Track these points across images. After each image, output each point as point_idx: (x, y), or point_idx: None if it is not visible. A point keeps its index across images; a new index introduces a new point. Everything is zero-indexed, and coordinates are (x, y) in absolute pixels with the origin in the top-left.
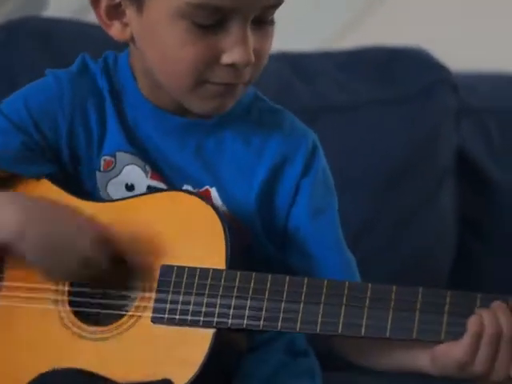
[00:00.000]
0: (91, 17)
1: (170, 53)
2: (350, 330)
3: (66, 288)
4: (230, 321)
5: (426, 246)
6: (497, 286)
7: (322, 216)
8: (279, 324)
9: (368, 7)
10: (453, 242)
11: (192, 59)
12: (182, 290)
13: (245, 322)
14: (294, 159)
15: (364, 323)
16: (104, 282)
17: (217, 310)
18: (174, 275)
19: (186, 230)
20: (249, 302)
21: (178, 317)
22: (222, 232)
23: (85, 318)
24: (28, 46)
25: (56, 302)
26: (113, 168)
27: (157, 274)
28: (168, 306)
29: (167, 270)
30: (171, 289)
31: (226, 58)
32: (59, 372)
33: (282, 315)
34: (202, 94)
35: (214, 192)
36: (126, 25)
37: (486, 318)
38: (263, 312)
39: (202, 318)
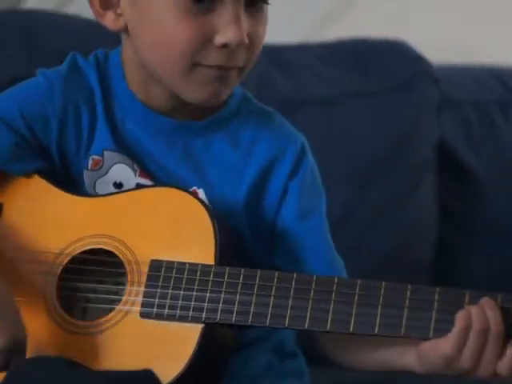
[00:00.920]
0: (70, 9)
1: (164, 33)
2: (338, 327)
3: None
4: (218, 316)
5: (407, 239)
6: (478, 277)
7: (310, 217)
8: (268, 320)
9: None
10: (434, 235)
11: (186, 38)
12: (171, 284)
13: (233, 317)
14: (283, 161)
15: (352, 320)
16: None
17: (205, 305)
18: (163, 270)
19: (176, 225)
20: (238, 297)
21: (166, 311)
22: (211, 228)
23: (73, 312)
24: (8, 38)
25: (44, 295)
26: (101, 167)
27: (146, 268)
28: (157, 300)
29: (156, 264)
30: (160, 283)
31: (219, 38)
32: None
33: (270, 311)
34: (195, 80)
35: (201, 193)
36: (119, 15)
37: (474, 314)
38: (252, 307)
39: (190, 313)
